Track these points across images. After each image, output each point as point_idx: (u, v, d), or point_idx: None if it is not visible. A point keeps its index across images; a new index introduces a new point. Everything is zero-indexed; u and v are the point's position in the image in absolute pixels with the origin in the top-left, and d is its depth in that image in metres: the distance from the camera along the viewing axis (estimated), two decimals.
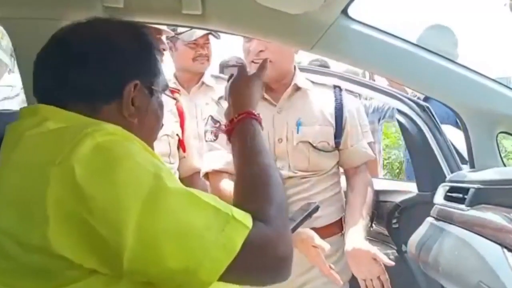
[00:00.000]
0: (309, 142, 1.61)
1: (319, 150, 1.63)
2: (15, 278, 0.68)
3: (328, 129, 1.64)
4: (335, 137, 1.65)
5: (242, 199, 0.77)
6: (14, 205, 0.67)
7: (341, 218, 1.72)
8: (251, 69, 1.62)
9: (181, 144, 1.86)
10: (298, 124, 1.62)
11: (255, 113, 0.94)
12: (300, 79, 1.68)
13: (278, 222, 0.74)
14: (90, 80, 0.79)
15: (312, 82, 1.71)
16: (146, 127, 0.85)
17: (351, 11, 1.32)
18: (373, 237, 1.93)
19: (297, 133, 1.61)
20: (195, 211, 0.68)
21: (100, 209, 0.63)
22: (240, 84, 1.03)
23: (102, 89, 0.80)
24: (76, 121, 0.76)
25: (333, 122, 1.65)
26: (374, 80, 3.08)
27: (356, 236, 1.56)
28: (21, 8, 1.23)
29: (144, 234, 0.64)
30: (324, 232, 1.61)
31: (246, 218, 0.71)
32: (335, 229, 1.69)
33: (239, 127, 0.92)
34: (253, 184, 0.81)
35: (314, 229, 1.57)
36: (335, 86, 1.70)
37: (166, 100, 1.87)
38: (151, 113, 0.86)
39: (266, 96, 1.62)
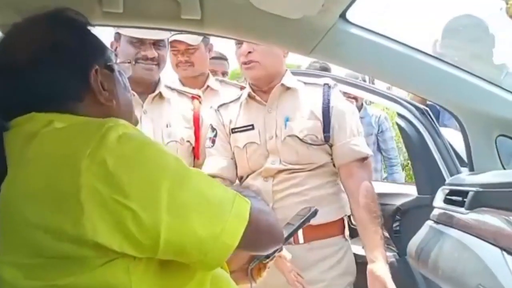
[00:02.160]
0: (296, 136, 1.65)
1: (308, 143, 1.66)
2: (44, 270, 0.70)
3: (315, 123, 1.67)
4: (324, 131, 1.67)
5: None
6: (42, 198, 0.69)
7: (342, 219, 1.71)
8: (243, 71, 1.74)
9: (195, 152, 1.83)
10: (286, 120, 1.68)
11: None
12: (289, 80, 1.73)
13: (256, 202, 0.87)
14: (53, 87, 0.79)
15: (304, 83, 1.75)
16: (123, 103, 0.88)
17: (349, 15, 1.33)
18: None
19: (285, 128, 1.67)
20: (211, 188, 0.77)
21: (136, 192, 0.69)
22: None
23: (69, 90, 0.80)
24: (85, 119, 0.78)
25: (320, 116, 1.67)
26: (373, 84, 3.08)
27: (379, 260, 1.56)
28: (22, 14, 1.24)
29: (176, 209, 0.71)
30: (321, 231, 1.63)
31: (245, 198, 0.81)
32: (334, 230, 1.70)
33: None
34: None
35: (310, 226, 1.53)
36: (324, 84, 1.73)
37: (182, 105, 1.87)
38: (120, 87, 0.89)
39: (257, 97, 1.73)
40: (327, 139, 1.67)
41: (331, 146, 1.69)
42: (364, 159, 1.69)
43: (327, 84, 1.73)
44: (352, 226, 1.76)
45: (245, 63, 1.69)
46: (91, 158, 0.68)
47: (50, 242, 0.68)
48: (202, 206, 0.74)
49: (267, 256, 1.07)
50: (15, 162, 0.75)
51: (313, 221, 1.55)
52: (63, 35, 0.82)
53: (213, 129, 1.78)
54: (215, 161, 1.75)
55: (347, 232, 1.73)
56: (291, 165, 1.66)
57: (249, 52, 1.67)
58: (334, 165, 1.72)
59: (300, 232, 1.60)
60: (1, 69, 0.81)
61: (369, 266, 1.58)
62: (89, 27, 0.88)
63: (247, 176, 1.74)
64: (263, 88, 1.74)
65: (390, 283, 1.53)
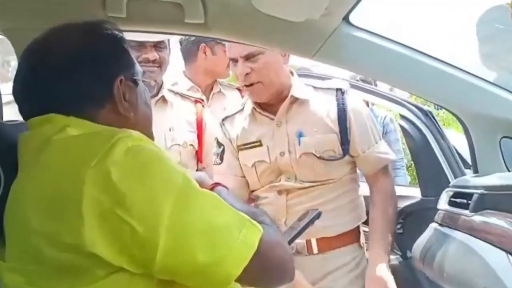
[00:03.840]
0: (313, 153, 1.55)
1: (325, 159, 1.56)
2: (46, 278, 0.70)
3: (331, 137, 1.57)
4: (342, 144, 1.57)
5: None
6: (46, 205, 0.70)
7: (358, 227, 1.66)
8: (245, 93, 1.64)
9: (198, 155, 1.82)
10: (299, 136, 1.57)
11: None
12: (298, 89, 1.60)
13: (278, 232, 0.85)
14: (78, 91, 0.81)
15: (314, 87, 1.64)
16: (142, 117, 0.89)
17: (352, 18, 1.33)
18: None
19: (299, 145, 1.56)
20: (219, 211, 0.74)
21: (137, 207, 0.67)
22: None
23: (92, 96, 0.82)
24: (98, 127, 0.79)
25: (337, 128, 1.57)
26: (376, 86, 3.08)
27: (379, 261, 1.53)
28: (26, 19, 1.25)
29: (176, 230, 0.68)
30: (336, 241, 1.59)
31: (258, 224, 0.77)
32: (351, 238, 1.63)
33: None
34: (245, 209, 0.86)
35: (325, 238, 1.56)
36: (337, 89, 1.61)
37: (185, 109, 1.85)
38: (141, 101, 0.90)
39: (263, 112, 1.61)
40: (345, 152, 1.58)
41: (354, 156, 1.61)
42: (387, 165, 1.65)
43: (340, 89, 1.61)
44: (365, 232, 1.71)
45: (246, 86, 1.57)
46: (96, 168, 0.68)
47: (50, 250, 0.68)
48: (205, 230, 0.70)
49: None
50: (26, 167, 0.76)
51: (329, 233, 1.56)
52: (95, 44, 0.84)
53: (220, 145, 1.67)
54: (225, 181, 1.62)
55: (362, 239, 1.67)
56: (309, 183, 1.57)
57: (247, 74, 1.53)
58: (351, 173, 1.65)
59: (314, 242, 1.57)
60: (30, 70, 0.82)
61: (369, 268, 1.55)
62: (124, 41, 0.90)
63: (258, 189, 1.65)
64: (271, 102, 1.60)
65: (391, 284, 1.50)
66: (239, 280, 0.72)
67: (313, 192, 1.58)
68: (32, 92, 0.82)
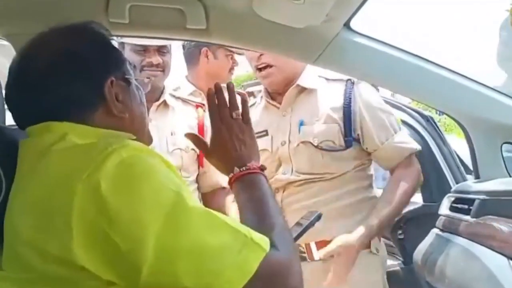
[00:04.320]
0: (311, 142, 1.50)
1: (324, 150, 1.50)
2: (39, 287, 0.69)
3: (332, 127, 1.50)
4: (345, 135, 1.50)
5: (255, 222, 0.77)
6: (36, 216, 0.68)
7: None
8: (259, 78, 1.62)
9: (199, 159, 1.82)
10: (300, 124, 1.53)
11: (248, 167, 0.89)
12: (306, 79, 1.57)
13: (291, 250, 0.76)
14: (68, 96, 0.79)
15: (327, 79, 1.59)
16: (137, 117, 0.87)
17: (353, 24, 1.34)
18: None
19: (299, 133, 1.52)
20: (214, 232, 0.68)
21: (122, 223, 0.64)
22: (217, 136, 0.95)
23: (84, 100, 0.80)
24: (98, 135, 0.77)
25: (341, 118, 1.50)
26: (378, 91, 3.09)
27: (355, 233, 1.44)
28: (28, 24, 1.25)
29: (163, 251, 0.65)
30: None
31: (263, 241, 0.71)
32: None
33: (249, 180, 0.88)
34: (260, 218, 0.80)
35: (325, 241, 1.44)
36: (347, 80, 1.55)
37: (186, 113, 1.83)
38: (135, 101, 0.88)
39: (271, 102, 1.61)
40: (349, 144, 1.50)
41: (371, 151, 1.52)
42: (411, 154, 1.54)
43: (350, 79, 1.54)
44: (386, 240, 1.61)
45: (259, 69, 1.56)
46: (87, 181, 0.66)
47: (39, 261, 0.67)
48: (194, 253, 0.65)
49: None
50: (23, 175, 0.75)
51: (329, 236, 1.43)
52: (82, 47, 0.83)
53: None
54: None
55: (376, 245, 1.52)
56: (304, 175, 1.51)
57: (261, 55, 1.53)
58: (360, 170, 1.56)
59: (313, 246, 1.48)
60: (19, 77, 0.82)
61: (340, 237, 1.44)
62: (111, 40, 0.89)
63: None
64: (282, 91, 1.59)
65: (329, 247, 1.40)
66: None
67: (311, 188, 1.51)
68: (22, 101, 0.81)
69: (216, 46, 2.11)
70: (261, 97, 1.68)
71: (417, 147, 1.56)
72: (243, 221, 0.80)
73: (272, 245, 0.72)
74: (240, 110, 0.95)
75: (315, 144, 1.51)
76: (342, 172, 1.53)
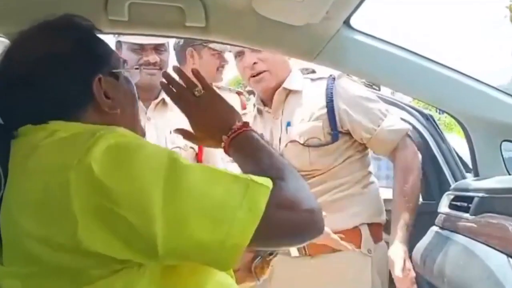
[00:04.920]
0: (297, 141, 1.55)
1: (310, 146, 1.53)
2: (43, 280, 0.69)
3: (316, 124, 1.54)
4: (331, 129, 1.53)
5: (258, 172, 0.75)
6: (38, 210, 0.69)
7: (357, 229, 1.52)
8: (252, 85, 1.63)
9: (198, 157, 1.83)
10: (287, 125, 1.58)
11: (236, 127, 0.88)
12: (291, 81, 1.62)
13: (298, 183, 0.77)
14: (56, 97, 0.79)
15: (311, 79, 1.63)
16: (129, 110, 0.87)
17: (353, 21, 1.33)
18: None
19: (286, 134, 1.58)
20: (214, 182, 0.69)
21: (126, 199, 0.65)
22: (212, 102, 0.93)
23: (72, 100, 0.80)
24: (85, 128, 0.77)
25: (324, 114, 1.53)
26: (379, 90, 3.08)
27: (393, 241, 1.45)
28: (27, 23, 1.25)
29: (171, 214, 0.65)
30: (324, 244, 1.46)
31: (265, 180, 0.71)
32: (348, 240, 1.49)
33: (239, 141, 0.88)
34: (269, 162, 0.81)
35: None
36: (329, 77, 1.59)
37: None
38: (125, 94, 0.87)
39: (264, 108, 1.65)
40: (335, 138, 1.53)
41: (365, 142, 1.53)
42: (404, 136, 1.55)
43: (332, 75, 1.58)
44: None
45: (253, 76, 1.59)
46: (79, 167, 0.66)
47: (45, 253, 0.68)
48: (202, 207, 0.67)
49: (270, 253, 1.04)
50: (16, 173, 0.75)
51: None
52: (65, 45, 0.81)
53: None
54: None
55: (367, 245, 1.52)
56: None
57: (255, 63, 1.57)
58: (351, 163, 1.57)
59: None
60: (5, 79, 0.80)
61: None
62: (95, 33, 0.87)
63: None
64: (271, 95, 1.64)
65: (397, 266, 1.38)
66: (253, 246, 0.68)
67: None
68: (11, 103, 0.80)
69: (201, 45, 2.12)
70: (253, 104, 1.72)
71: (408, 126, 1.57)
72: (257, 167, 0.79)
73: (283, 179, 0.74)
74: (200, 85, 0.93)
75: (302, 142, 1.54)
76: (331, 167, 1.54)
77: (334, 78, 1.58)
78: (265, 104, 1.67)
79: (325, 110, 1.54)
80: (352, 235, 1.51)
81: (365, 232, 1.53)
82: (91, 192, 0.65)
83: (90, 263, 0.67)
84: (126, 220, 0.65)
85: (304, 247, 1.50)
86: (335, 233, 1.48)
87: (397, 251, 1.42)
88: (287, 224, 0.72)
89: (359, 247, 1.51)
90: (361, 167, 1.60)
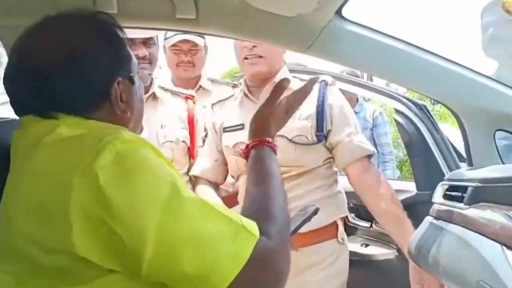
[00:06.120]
0: (285, 136, 1.58)
1: (296, 143, 1.59)
2: (36, 279, 0.70)
3: (306, 123, 1.60)
4: (317, 130, 1.60)
5: (247, 216, 0.78)
6: (36, 211, 0.69)
7: (334, 223, 1.65)
8: (244, 66, 1.67)
9: (190, 151, 1.83)
10: None
11: (269, 140, 1.00)
12: (282, 76, 1.64)
13: (280, 239, 0.77)
14: (72, 93, 0.78)
15: (301, 80, 1.68)
16: (136, 114, 0.88)
17: (345, 11, 1.32)
18: (373, 237, 1.93)
19: None
20: (209, 221, 0.71)
21: (122, 215, 0.66)
22: (264, 111, 1.06)
23: (88, 98, 0.79)
24: (90, 127, 0.76)
25: (314, 115, 1.60)
26: (372, 80, 3.09)
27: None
28: (17, 16, 1.23)
29: (163, 241, 0.67)
30: (310, 237, 1.56)
31: (254, 227, 0.74)
32: (325, 235, 1.62)
33: (253, 152, 0.97)
34: (259, 202, 0.84)
35: (300, 234, 1.49)
36: (321, 81, 1.66)
37: (176, 105, 1.86)
38: (137, 99, 0.88)
39: (250, 96, 1.70)
40: (320, 138, 1.60)
41: (331, 148, 1.62)
42: (368, 158, 1.63)
43: (324, 81, 1.66)
44: (350, 224, 1.73)
45: (247, 58, 1.63)
46: (84, 173, 0.67)
47: (38, 253, 0.68)
48: (193, 241, 0.68)
49: None
50: (16, 169, 0.75)
51: (302, 229, 1.52)
52: (93, 42, 0.81)
53: (205, 129, 1.76)
54: (201, 162, 1.74)
55: (341, 235, 1.66)
56: (281, 168, 1.56)
57: (254, 46, 1.61)
58: (327, 168, 1.64)
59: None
60: (24, 71, 0.79)
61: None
62: (119, 34, 0.87)
63: (238, 176, 1.71)
64: (260, 85, 1.69)
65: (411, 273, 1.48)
66: None
67: (287, 184, 1.54)
68: (24, 93, 0.79)
69: (168, 40, 2.12)
70: (240, 90, 1.75)
71: (372, 149, 1.64)
72: (247, 195, 0.86)
73: (266, 234, 0.75)
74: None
75: (289, 138, 1.59)
76: (313, 166, 1.62)
77: (326, 84, 1.65)
78: (250, 92, 1.71)
79: (315, 112, 1.61)
80: (329, 228, 1.64)
81: (340, 225, 1.67)
82: (92, 201, 0.66)
83: (84, 266, 0.67)
84: (119, 237, 0.66)
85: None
86: (319, 228, 1.58)
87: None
88: (260, 279, 0.73)
89: (335, 237, 1.64)
90: (333, 171, 1.69)
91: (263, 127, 1.03)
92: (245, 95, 1.72)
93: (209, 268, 0.68)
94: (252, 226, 0.74)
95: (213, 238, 0.69)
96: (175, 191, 0.70)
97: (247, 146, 1.00)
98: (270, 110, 1.06)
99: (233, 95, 1.77)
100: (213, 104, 1.78)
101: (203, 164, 1.73)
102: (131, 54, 0.88)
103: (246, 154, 0.99)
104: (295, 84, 1.64)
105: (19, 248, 0.70)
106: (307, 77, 1.70)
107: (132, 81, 0.86)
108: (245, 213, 0.80)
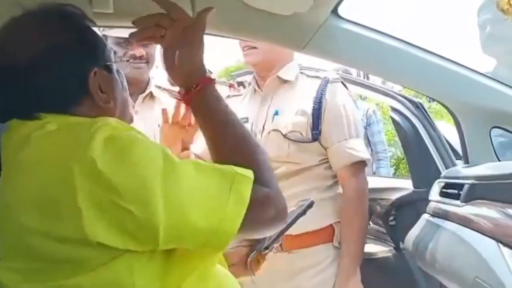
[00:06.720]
0: (279, 131, 1.57)
1: (291, 140, 1.56)
2: (44, 273, 0.70)
3: (302, 119, 1.56)
4: (313, 128, 1.56)
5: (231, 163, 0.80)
6: (39, 204, 0.69)
7: (330, 226, 1.60)
8: (245, 57, 1.67)
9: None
10: (275, 114, 1.61)
11: (211, 77, 0.89)
12: (287, 72, 1.64)
13: (273, 182, 0.82)
14: (49, 91, 0.77)
15: (307, 76, 1.66)
16: (120, 103, 0.87)
17: (341, 10, 1.32)
18: (370, 235, 1.94)
19: (272, 122, 1.60)
20: (205, 177, 0.74)
21: (129, 191, 0.68)
22: (184, 44, 0.91)
23: (66, 94, 0.79)
24: (78, 120, 0.76)
25: (310, 112, 1.56)
26: (368, 79, 3.08)
27: (346, 278, 1.54)
28: (9, 14, 1.23)
29: (171, 203, 0.70)
30: (304, 240, 1.53)
31: (247, 171, 0.77)
32: (319, 238, 1.58)
33: (201, 96, 0.87)
34: (237, 148, 0.85)
35: (291, 236, 1.43)
36: (323, 78, 1.62)
37: (172, 105, 1.85)
38: (118, 88, 0.87)
39: (257, 89, 1.69)
40: (315, 136, 1.56)
41: (325, 148, 1.58)
42: (360, 163, 1.58)
43: (326, 77, 1.62)
44: None
45: (244, 49, 1.65)
46: (82, 161, 0.67)
47: (48, 246, 0.68)
48: (198, 198, 0.72)
49: (266, 248, 1.07)
50: (8, 167, 0.75)
51: (293, 231, 1.35)
52: (62, 37, 0.79)
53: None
54: (202, 143, 1.67)
55: (338, 239, 1.60)
56: (274, 163, 1.48)
57: None
58: (325, 168, 1.60)
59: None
60: None
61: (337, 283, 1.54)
62: (88, 25, 0.85)
63: None
64: (264, 75, 1.67)
65: None
66: (239, 232, 0.74)
67: (282, 182, 1.47)
68: (3, 95, 0.78)
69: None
70: (249, 83, 1.75)
71: (367, 157, 1.60)
72: (222, 139, 0.86)
73: (260, 181, 0.78)
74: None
75: (284, 133, 1.57)
76: (308, 165, 1.58)
77: (328, 81, 1.60)
78: (259, 86, 1.70)
79: (312, 108, 1.57)
80: (324, 232, 1.59)
81: (337, 228, 1.60)
82: (96, 186, 0.67)
83: (94, 253, 0.69)
84: (129, 212, 0.68)
85: (280, 244, 1.53)
86: (314, 230, 1.56)
87: None
88: (264, 218, 0.80)
89: (330, 241, 1.60)
90: (332, 173, 1.63)
91: (196, 64, 0.89)
92: (254, 90, 1.71)
93: (219, 219, 0.72)
94: (245, 170, 0.77)
95: (213, 192, 0.73)
96: (167, 158, 0.72)
97: (189, 89, 0.87)
98: (191, 51, 0.91)
99: (240, 95, 1.77)
100: (226, 98, 1.77)
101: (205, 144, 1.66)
102: (105, 43, 0.87)
103: (189, 100, 0.88)
104: (301, 79, 1.65)
105: (26, 243, 0.69)
106: (315, 73, 1.68)
107: (109, 70, 0.84)
108: (228, 161, 0.80)
